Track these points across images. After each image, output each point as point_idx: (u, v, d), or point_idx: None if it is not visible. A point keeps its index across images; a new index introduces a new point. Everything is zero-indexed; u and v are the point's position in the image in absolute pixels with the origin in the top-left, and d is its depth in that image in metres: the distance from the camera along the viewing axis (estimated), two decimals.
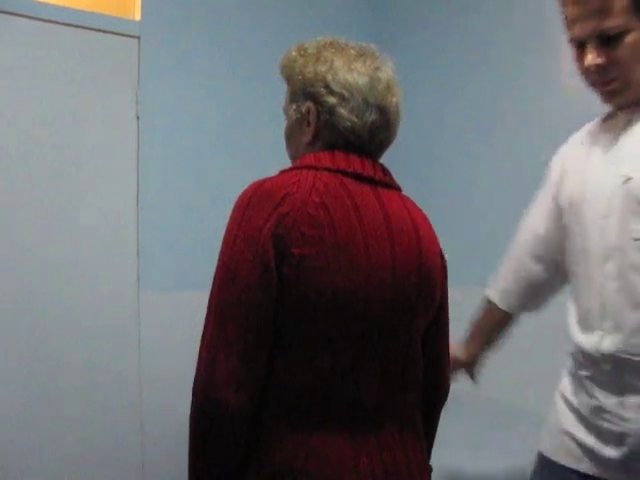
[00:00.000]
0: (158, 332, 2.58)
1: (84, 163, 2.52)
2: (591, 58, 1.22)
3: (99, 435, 2.46)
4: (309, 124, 1.15)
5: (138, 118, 2.64)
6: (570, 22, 1.25)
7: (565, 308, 1.38)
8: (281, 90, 1.24)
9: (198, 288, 1.55)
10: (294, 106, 1.18)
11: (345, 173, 1.10)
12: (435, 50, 3.34)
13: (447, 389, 1.29)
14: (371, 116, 1.12)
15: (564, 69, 2.53)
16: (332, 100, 1.12)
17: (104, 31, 2.59)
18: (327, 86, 1.12)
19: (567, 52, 1.33)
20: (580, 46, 1.25)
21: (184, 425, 1.05)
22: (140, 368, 2.57)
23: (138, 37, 2.67)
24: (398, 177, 1.21)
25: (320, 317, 1.04)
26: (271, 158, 1.54)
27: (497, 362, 1.70)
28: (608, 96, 1.28)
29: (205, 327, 1.03)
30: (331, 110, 1.12)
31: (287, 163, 1.24)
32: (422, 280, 1.13)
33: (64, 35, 2.50)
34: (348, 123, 1.12)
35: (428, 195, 2.16)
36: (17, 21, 2.40)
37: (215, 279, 1.04)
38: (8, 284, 2.32)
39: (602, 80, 1.25)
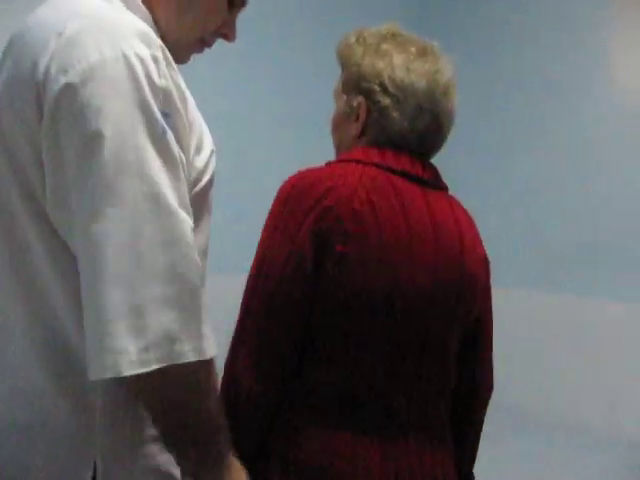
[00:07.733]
0: None
1: None
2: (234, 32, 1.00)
3: None
4: (358, 119, 1.09)
5: None
6: None
7: None
8: None
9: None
10: (345, 97, 1.11)
11: (393, 171, 1.04)
12: (486, 46, 3.29)
13: (489, 394, 1.21)
14: (423, 122, 1.06)
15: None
16: (386, 101, 1.05)
17: None
18: (382, 85, 1.05)
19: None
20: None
21: None
22: None
23: None
24: (446, 175, 1.15)
25: (356, 317, 0.99)
26: None
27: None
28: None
29: (238, 318, 1.01)
30: (382, 111, 1.06)
31: None
32: (464, 284, 1.07)
33: None
34: (397, 127, 1.06)
35: (478, 195, 2.10)
36: None
37: (250, 270, 1.01)
38: None
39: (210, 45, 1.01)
